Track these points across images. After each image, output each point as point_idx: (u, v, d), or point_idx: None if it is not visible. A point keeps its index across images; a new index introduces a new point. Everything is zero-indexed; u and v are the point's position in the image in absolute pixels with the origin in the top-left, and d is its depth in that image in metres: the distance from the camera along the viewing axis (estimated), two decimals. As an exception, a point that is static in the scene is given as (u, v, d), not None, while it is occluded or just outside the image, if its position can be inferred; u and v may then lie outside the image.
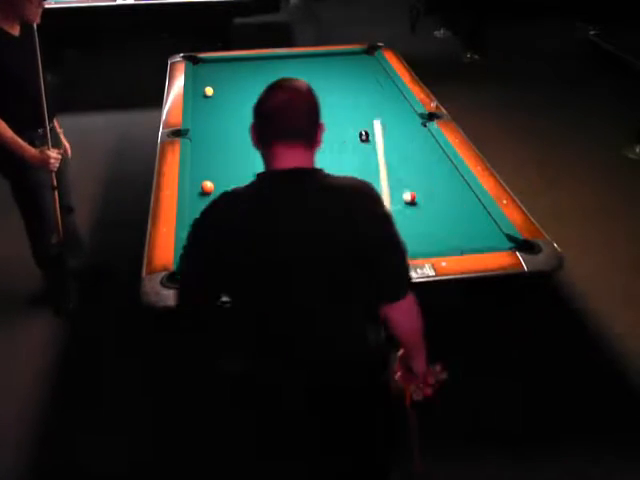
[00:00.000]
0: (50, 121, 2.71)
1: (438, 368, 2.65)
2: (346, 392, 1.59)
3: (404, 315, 1.57)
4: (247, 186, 1.50)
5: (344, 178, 1.53)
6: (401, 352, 1.75)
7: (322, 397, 1.57)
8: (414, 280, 2.05)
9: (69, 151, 2.99)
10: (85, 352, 2.88)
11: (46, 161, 2.63)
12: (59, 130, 2.90)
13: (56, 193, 2.78)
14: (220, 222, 1.49)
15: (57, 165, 2.69)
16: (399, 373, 1.79)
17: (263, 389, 1.61)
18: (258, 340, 1.57)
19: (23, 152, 2.58)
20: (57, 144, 2.78)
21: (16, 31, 2.51)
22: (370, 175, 2.72)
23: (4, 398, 2.65)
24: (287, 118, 1.45)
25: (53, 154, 2.65)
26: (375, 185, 1.58)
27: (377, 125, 2.77)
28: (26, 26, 2.52)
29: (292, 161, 1.47)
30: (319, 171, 1.52)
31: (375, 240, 1.48)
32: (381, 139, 2.69)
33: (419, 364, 1.73)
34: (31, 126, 2.63)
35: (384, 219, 1.52)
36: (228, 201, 1.51)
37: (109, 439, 2.45)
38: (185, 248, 1.54)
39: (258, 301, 1.52)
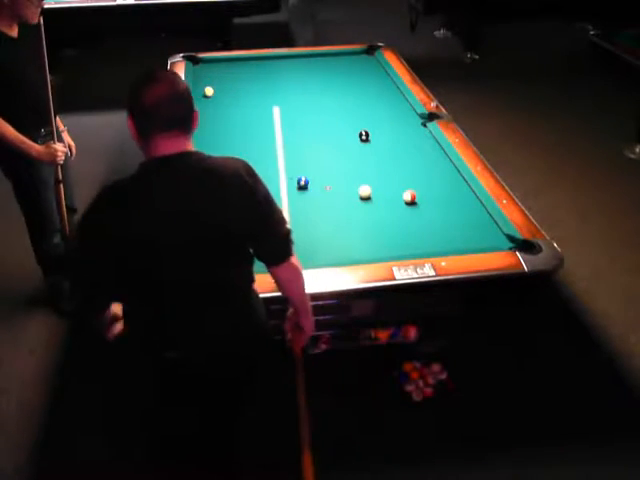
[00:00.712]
0: (46, 123, 2.69)
1: (437, 368, 2.68)
2: (233, 357, 1.76)
3: (289, 275, 1.72)
4: (129, 176, 1.59)
5: (221, 158, 1.62)
6: (290, 311, 1.90)
7: (212, 361, 1.74)
8: (413, 280, 2.07)
9: (74, 150, 2.99)
10: (85, 352, 2.88)
11: (53, 155, 2.63)
12: (63, 129, 2.90)
13: (61, 187, 2.78)
14: (105, 214, 1.55)
15: (63, 158, 2.70)
16: (289, 330, 1.94)
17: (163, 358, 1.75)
18: (153, 317, 1.70)
19: (29, 149, 2.58)
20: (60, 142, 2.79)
21: (14, 32, 2.50)
22: (370, 174, 2.73)
23: (4, 398, 2.65)
24: (166, 110, 1.50)
25: (60, 147, 2.67)
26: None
27: (276, 111, 3.03)
28: (24, 27, 2.52)
29: (172, 147, 1.53)
30: (198, 153, 1.59)
31: (251, 215, 1.59)
32: (279, 124, 3.04)
33: (306, 320, 1.86)
34: (33, 126, 2.63)
35: (258, 194, 1.60)
36: (111, 193, 1.58)
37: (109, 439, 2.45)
38: (76, 245, 1.64)
39: (143, 284, 1.62)
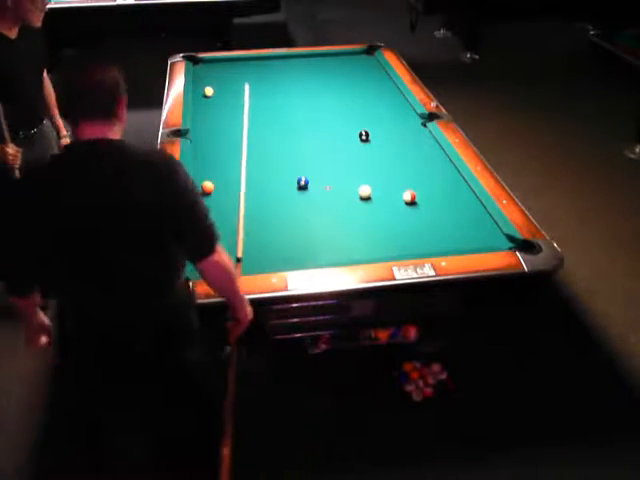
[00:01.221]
0: (40, 122, 2.71)
1: (437, 368, 2.68)
2: (168, 335, 1.81)
3: (213, 269, 1.73)
4: (49, 160, 1.67)
5: (145, 150, 1.67)
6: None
7: (148, 340, 1.79)
8: (413, 280, 2.07)
9: None
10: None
11: (4, 158, 2.50)
12: (64, 134, 2.85)
13: None
14: (22, 196, 1.61)
15: (15, 162, 2.53)
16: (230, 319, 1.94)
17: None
18: (80, 303, 1.77)
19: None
20: (50, 144, 2.77)
21: (13, 33, 2.50)
22: (370, 174, 2.73)
23: (4, 398, 2.65)
24: (84, 98, 1.59)
25: (12, 150, 2.51)
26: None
27: (246, 87, 3.13)
28: (25, 29, 2.51)
29: (92, 133, 1.59)
30: (117, 142, 1.64)
31: (167, 207, 1.60)
32: (247, 100, 3.14)
33: (239, 312, 1.87)
34: (26, 125, 2.62)
35: (176, 186, 1.62)
36: (27, 176, 1.67)
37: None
38: None
39: (58, 269, 1.68)
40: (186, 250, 1.72)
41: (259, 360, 2.70)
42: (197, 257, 1.71)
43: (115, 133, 1.65)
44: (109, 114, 1.62)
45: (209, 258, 1.70)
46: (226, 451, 1.84)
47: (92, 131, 1.59)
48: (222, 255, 1.75)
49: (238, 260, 2.13)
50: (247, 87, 3.27)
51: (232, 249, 2.09)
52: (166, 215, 1.61)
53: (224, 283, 1.80)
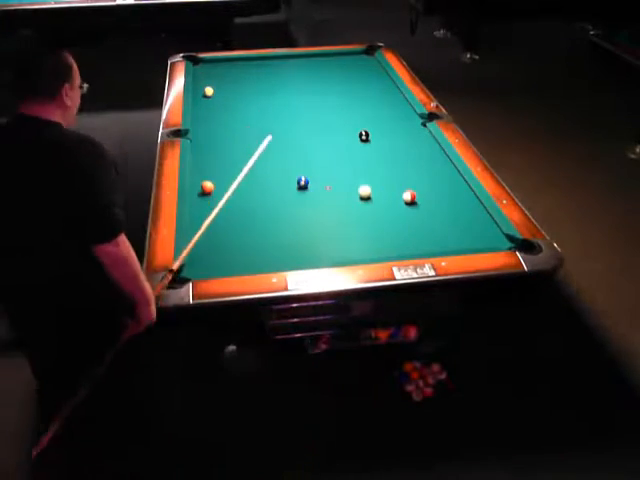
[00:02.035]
0: None
1: (437, 368, 2.68)
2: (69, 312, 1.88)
3: (110, 257, 1.77)
4: None
5: (71, 133, 1.79)
6: None
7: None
8: (413, 280, 2.07)
9: None
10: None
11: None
12: None
13: None
14: None
15: None
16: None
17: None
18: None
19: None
20: None
21: None
22: (370, 174, 2.73)
23: (4, 397, 2.65)
24: (33, 75, 1.76)
25: None
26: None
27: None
28: None
29: (25, 109, 1.75)
30: (45, 122, 1.75)
31: (68, 190, 1.70)
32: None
33: (140, 309, 1.87)
34: None
35: (81, 172, 1.72)
36: None
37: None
38: None
39: None
40: (85, 233, 1.75)
41: (259, 360, 2.71)
42: (94, 241, 1.74)
43: (56, 115, 1.78)
44: (51, 95, 1.76)
45: (107, 245, 1.74)
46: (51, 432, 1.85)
47: (32, 109, 1.74)
48: (124, 245, 1.77)
49: (171, 271, 2.07)
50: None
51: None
52: (62, 196, 1.70)
53: (124, 274, 1.81)
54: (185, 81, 3.64)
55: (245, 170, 2.62)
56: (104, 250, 1.74)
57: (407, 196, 2.54)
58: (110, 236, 1.74)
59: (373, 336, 2.49)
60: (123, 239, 1.77)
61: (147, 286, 1.87)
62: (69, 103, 1.82)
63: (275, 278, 2.06)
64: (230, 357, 2.73)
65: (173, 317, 2.00)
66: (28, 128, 1.75)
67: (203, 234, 2.23)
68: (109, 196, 1.75)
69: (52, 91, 1.77)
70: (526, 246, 2.20)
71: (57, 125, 1.77)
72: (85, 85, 2.03)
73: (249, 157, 2.79)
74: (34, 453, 1.90)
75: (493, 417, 2.52)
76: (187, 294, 1.98)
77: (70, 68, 1.83)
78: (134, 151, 4.53)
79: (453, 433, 2.45)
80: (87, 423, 2.46)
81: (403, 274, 2.07)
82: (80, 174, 1.71)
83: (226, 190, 2.47)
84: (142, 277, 1.86)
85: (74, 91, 1.87)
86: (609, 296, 3.17)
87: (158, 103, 3.45)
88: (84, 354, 1.94)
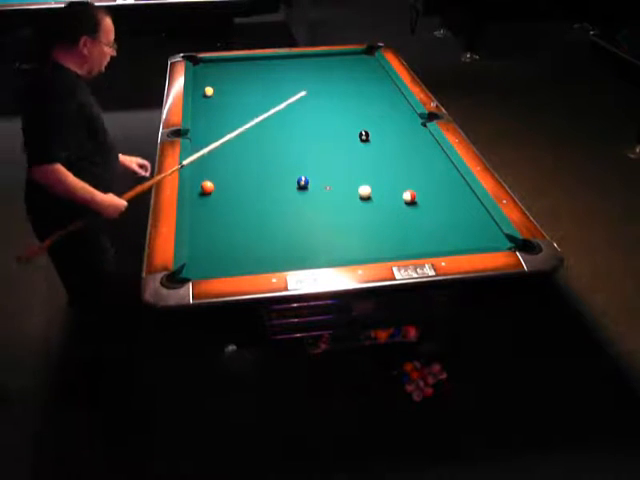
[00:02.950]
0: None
1: (437, 368, 2.68)
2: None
3: (40, 180, 2.01)
4: None
5: (53, 76, 2.05)
6: None
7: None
8: (413, 280, 2.07)
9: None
10: (85, 352, 2.88)
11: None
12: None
13: None
14: None
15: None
16: None
17: None
18: None
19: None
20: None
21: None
22: (370, 174, 2.73)
23: (4, 397, 2.65)
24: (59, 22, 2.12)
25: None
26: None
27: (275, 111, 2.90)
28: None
29: (54, 53, 2.09)
30: (56, 64, 2.06)
31: (23, 119, 2.01)
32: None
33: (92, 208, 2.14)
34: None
35: (30, 106, 2.01)
36: None
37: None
38: None
39: None
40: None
41: (259, 360, 2.71)
42: (28, 164, 2.01)
43: (69, 62, 2.06)
44: (70, 42, 2.02)
45: (34, 168, 1.98)
46: None
47: (55, 53, 2.03)
48: (46, 175, 1.98)
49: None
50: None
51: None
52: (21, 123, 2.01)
53: (57, 192, 2.04)
54: (185, 81, 3.64)
55: (272, 111, 2.76)
56: (32, 171, 2.00)
57: (407, 196, 2.54)
58: (34, 161, 1.98)
59: (373, 336, 2.49)
60: (52, 169, 1.97)
61: (89, 195, 2.09)
62: (86, 53, 2.03)
63: (275, 278, 2.06)
64: (230, 357, 2.73)
65: (173, 317, 2.00)
66: (43, 67, 2.05)
67: (204, 229, 2.23)
68: (44, 129, 1.97)
69: (71, 38, 2.01)
70: (526, 246, 2.20)
71: (59, 68, 2.04)
72: (114, 46, 2.17)
73: (249, 157, 2.78)
74: (19, 257, 2.18)
75: (493, 417, 2.53)
76: (187, 294, 1.98)
77: (96, 22, 2.03)
78: (134, 151, 4.54)
79: (453, 433, 2.45)
80: (89, 410, 2.49)
81: (403, 274, 2.07)
82: (30, 106, 2.00)
83: (227, 189, 2.46)
84: (80, 193, 2.06)
85: (96, 45, 2.06)
86: (609, 296, 3.17)
87: (158, 103, 3.46)
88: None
